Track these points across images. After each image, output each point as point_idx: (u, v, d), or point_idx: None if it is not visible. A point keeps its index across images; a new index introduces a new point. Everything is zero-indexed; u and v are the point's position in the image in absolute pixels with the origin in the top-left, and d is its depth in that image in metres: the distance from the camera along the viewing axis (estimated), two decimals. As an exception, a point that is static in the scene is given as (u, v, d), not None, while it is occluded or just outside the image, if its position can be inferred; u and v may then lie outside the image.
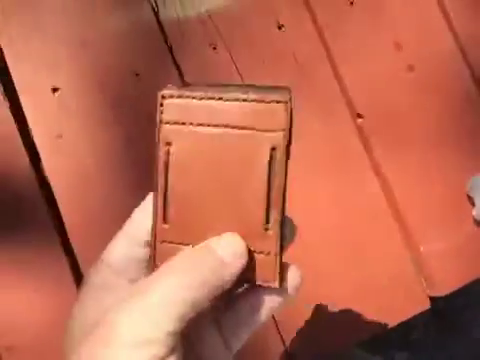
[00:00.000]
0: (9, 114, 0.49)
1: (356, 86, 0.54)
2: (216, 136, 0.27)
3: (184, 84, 0.29)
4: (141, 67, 0.50)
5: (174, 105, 0.27)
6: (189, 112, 0.27)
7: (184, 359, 0.25)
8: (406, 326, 0.51)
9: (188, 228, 0.27)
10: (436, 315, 0.52)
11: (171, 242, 0.28)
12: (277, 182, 0.26)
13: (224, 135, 0.27)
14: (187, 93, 0.27)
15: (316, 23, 0.54)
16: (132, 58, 0.50)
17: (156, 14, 0.51)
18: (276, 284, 0.27)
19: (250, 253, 0.27)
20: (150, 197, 0.29)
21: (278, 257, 0.27)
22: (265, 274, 0.27)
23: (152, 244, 0.28)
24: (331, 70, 0.53)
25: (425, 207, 0.53)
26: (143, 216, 0.28)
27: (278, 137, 0.26)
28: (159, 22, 0.51)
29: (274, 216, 0.27)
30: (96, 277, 0.28)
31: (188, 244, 0.27)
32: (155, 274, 0.26)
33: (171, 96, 0.27)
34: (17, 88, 0.49)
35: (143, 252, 0.28)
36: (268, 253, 0.27)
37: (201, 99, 0.27)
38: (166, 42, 0.51)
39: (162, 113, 0.27)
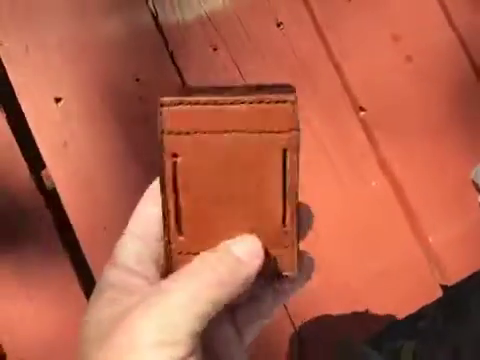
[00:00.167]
0: (6, 124, 0.49)
1: (357, 80, 0.54)
2: (224, 142, 0.26)
3: (183, 87, 0.28)
4: (142, 72, 0.50)
5: (176, 113, 0.25)
6: (193, 120, 0.25)
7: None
8: (414, 315, 0.51)
9: (204, 237, 0.27)
10: (443, 303, 0.53)
11: (188, 253, 0.27)
12: (291, 180, 0.26)
13: (232, 140, 0.26)
14: (189, 99, 0.25)
15: (314, 19, 0.54)
16: (133, 63, 0.50)
17: (155, 18, 0.51)
18: (295, 273, 0.28)
19: (267, 251, 0.27)
20: (150, 190, 0.29)
21: (295, 248, 0.28)
22: (284, 265, 0.28)
23: (168, 256, 0.28)
24: (331, 65, 0.54)
25: (432, 196, 0.53)
26: (148, 210, 0.28)
27: (289, 137, 0.26)
28: (159, 26, 0.51)
29: (290, 212, 0.27)
30: (108, 278, 0.28)
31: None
32: (175, 276, 0.26)
33: (172, 103, 0.25)
34: (19, 98, 0.49)
35: (155, 246, 0.28)
36: (286, 246, 0.27)
37: (204, 104, 0.25)
38: (166, 46, 0.51)
39: (163, 122, 0.25)
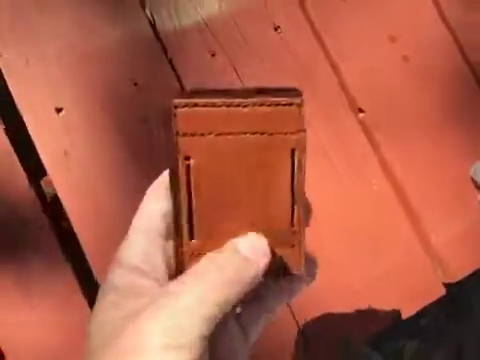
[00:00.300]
0: (4, 135, 0.49)
1: (355, 81, 0.54)
2: (234, 144, 0.26)
3: (183, 91, 0.28)
4: (142, 79, 0.50)
5: (188, 115, 0.26)
6: (206, 121, 0.26)
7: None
8: (416, 313, 0.52)
9: (215, 238, 0.27)
10: (445, 301, 0.53)
11: (199, 254, 0.27)
12: (298, 181, 0.27)
13: (242, 142, 0.26)
14: (200, 101, 0.26)
15: (311, 23, 0.54)
16: (132, 71, 0.50)
17: (153, 26, 0.51)
18: (302, 271, 0.28)
19: (274, 250, 0.27)
20: (153, 187, 0.29)
21: (302, 247, 0.28)
22: (291, 264, 0.28)
23: (179, 258, 0.28)
24: (329, 67, 0.54)
25: (432, 196, 0.53)
26: (151, 207, 0.28)
27: (297, 138, 0.27)
28: (157, 33, 0.51)
29: (298, 212, 0.27)
30: (113, 280, 0.27)
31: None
32: (183, 277, 0.26)
33: (184, 105, 0.26)
34: (20, 110, 0.49)
35: (159, 242, 0.28)
36: (293, 246, 0.28)
37: (217, 106, 0.26)
38: (165, 53, 0.51)
39: (177, 124, 0.26)
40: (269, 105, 0.26)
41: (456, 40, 0.57)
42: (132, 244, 0.28)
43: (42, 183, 0.50)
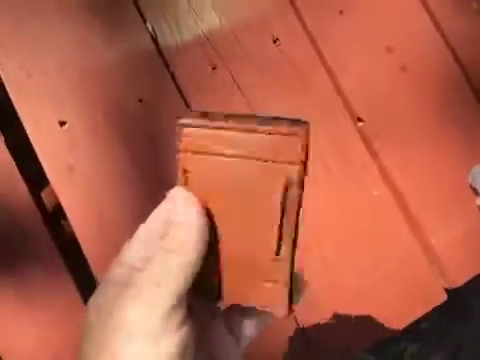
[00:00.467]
0: (4, 147, 0.49)
1: (354, 91, 0.55)
2: (233, 166, 0.27)
3: (201, 113, 0.29)
4: (144, 93, 0.51)
5: (193, 134, 0.27)
6: (207, 142, 0.27)
7: (195, 358, 0.26)
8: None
9: None
10: (445, 304, 0.54)
11: None
12: (290, 214, 0.27)
13: (241, 165, 0.27)
14: (205, 123, 0.27)
15: (309, 34, 0.55)
16: (134, 85, 0.51)
17: (155, 40, 0.52)
18: (284, 313, 0.28)
19: (258, 282, 0.28)
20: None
21: (287, 288, 0.27)
22: (273, 301, 0.28)
23: None
24: (328, 78, 0.55)
25: (432, 201, 0.54)
26: (156, 210, 0.29)
27: (294, 170, 0.26)
28: (158, 48, 0.52)
29: (285, 247, 0.27)
30: (112, 277, 0.28)
31: None
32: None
33: (190, 125, 0.27)
34: (23, 123, 0.49)
35: (157, 243, 0.28)
36: (276, 281, 0.28)
37: (219, 129, 0.27)
38: (167, 67, 0.52)
39: (181, 142, 0.27)
40: (269, 134, 0.26)
41: (451, 49, 0.58)
42: (132, 244, 0.29)
43: (43, 195, 0.51)
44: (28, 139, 0.50)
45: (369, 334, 0.51)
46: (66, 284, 0.48)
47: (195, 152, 0.27)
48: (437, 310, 0.52)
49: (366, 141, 0.54)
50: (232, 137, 0.27)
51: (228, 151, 0.27)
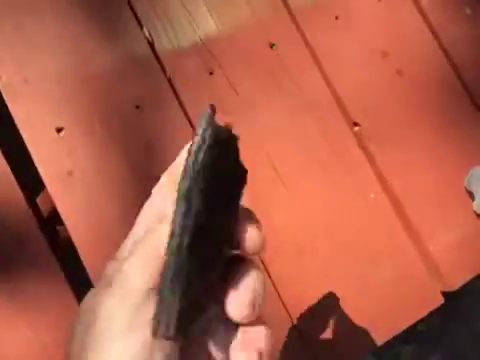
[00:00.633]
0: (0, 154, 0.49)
1: (350, 96, 0.55)
2: None
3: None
4: (141, 99, 0.51)
5: None
6: None
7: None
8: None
9: None
10: (441, 307, 0.54)
11: None
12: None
13: None
14: None
15: (306, 39, 0.56)
16: (132, 91, 0.51)
17: (152, 46, 0.52)
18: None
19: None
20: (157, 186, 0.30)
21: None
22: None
23: None
24: (324, 82, 0.55)
25: (428, 206, 0.55)
26: (149, 206, 0.30)
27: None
28: (155, 53, 0.52)
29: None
30: (107, 272, 0.28)
31: None
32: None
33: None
34: (20, 130, 0.49)
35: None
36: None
37: None
38: (164, 72, 0.52)
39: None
40: None
41: (445, 52, 0.58)
42: (128, 241, 0.29)
43: (38, 200, 0.51)
44: (24, 145, 0.49)
45: (366, 338, 0.51)
46: (62, 289, 0.47)
47: None
48: (434, 312, 0.53)
49: (362, 145, 0.55)
50: None
51: None
